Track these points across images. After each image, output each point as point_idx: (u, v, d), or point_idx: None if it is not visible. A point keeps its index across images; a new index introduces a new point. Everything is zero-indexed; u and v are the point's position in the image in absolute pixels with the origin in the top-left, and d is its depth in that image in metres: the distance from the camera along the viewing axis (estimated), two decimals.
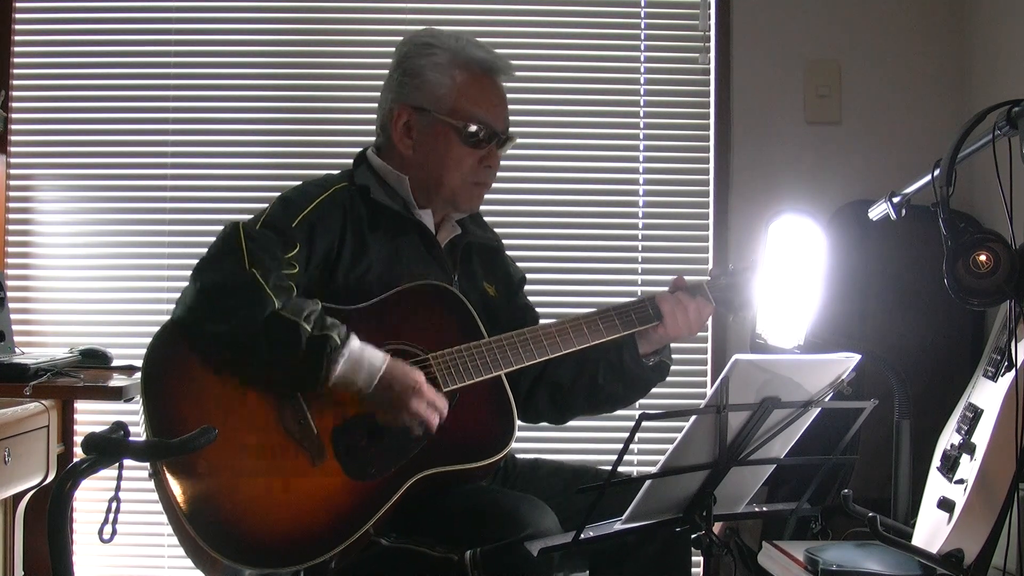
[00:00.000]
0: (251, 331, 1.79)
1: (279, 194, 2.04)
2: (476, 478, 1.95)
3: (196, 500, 1.76)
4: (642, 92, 3.13)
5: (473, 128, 2.03)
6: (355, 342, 1.83)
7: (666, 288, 2.12)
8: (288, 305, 1.81)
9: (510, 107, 2.11)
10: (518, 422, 1.97)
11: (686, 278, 2.13)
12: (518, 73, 2.67)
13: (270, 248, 1.88)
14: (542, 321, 2.16)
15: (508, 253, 2.29)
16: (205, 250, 1.90)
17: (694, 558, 2.00)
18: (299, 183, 2.08)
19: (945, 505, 1.79)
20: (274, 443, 1.83)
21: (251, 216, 1.96)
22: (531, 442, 2.96)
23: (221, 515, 1.77)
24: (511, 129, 2.11)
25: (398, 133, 2.06)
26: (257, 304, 1.79)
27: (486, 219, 2.27)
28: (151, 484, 1.81)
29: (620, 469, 1.60)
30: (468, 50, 2.05)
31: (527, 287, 2.31)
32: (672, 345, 2.17)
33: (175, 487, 1.76)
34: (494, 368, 1.96)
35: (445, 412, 1.88)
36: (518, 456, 2.19)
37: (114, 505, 1.66)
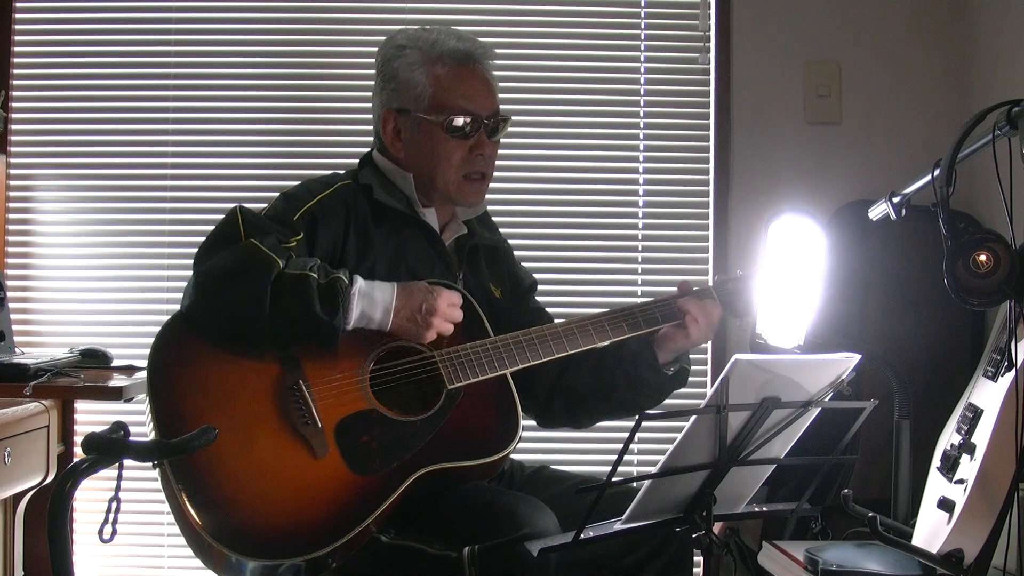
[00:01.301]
0: (262, 295, 1.80)
1: (281, 192, 2.05)
2: (479, 476, 1.96)
3: (199, 492, 1.77)
4: (642, 92, 3.13)
5: (456, 120, 2.03)
6: (360, 282, 1.87)
7: (665, 289, 2.12)
8: (291, 263, 1.84)
9: (510, 106, 2.11)
10: (523, 422, 1.98)
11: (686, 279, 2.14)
12: (517, 73, 2.67)
13: (266, 225, 1.90)
14: None
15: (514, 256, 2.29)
16: None
17: (694, 558, 2.00)
18: (303, 181, 2.09)
19: (945, 505, 1.79)
20: (278, 436, 1.83)
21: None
22: (533, 442, 2.96)
23: (224, 507, 1.77)
24: (504, 108, 2.10)
25: (388, 138, 2.07)
26: (262, 268, 1.81)
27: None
28: (151, 484, 1.82)
29: (620, 469, 1.59)
30: (440, 44, 2.05)
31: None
32: None
33: (178, 479, 1.76)
34: (499, 367, 1.96)
35: (460, 302, 1.94)
36: (525, 463, 2.19)
37: (114, 505, 1.67)
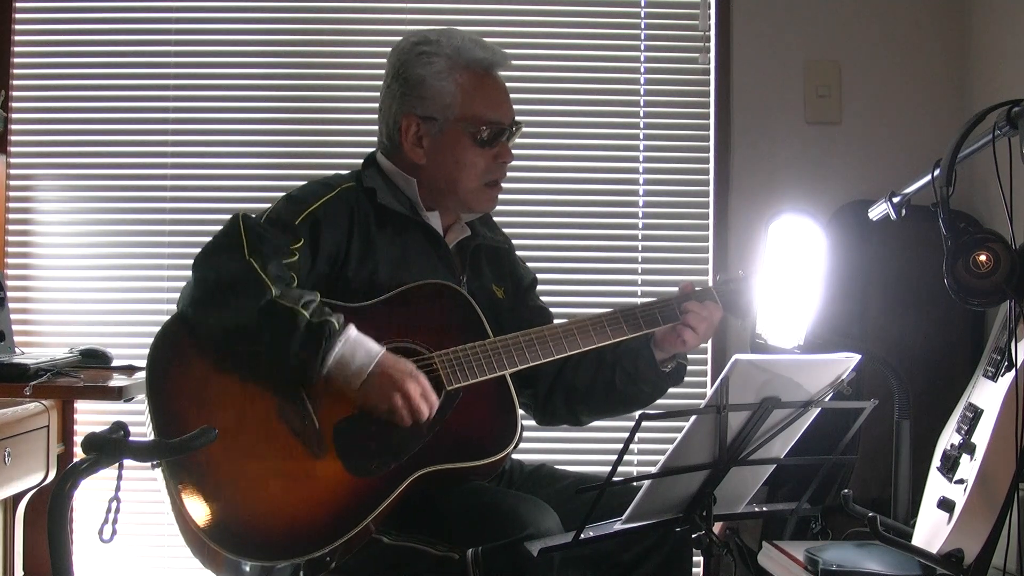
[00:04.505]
0: (249, 319, 1.79)
1: (284, 193, 2.04)
2: (478, 477, 1.96)
3: (197, 493, 1.77)
4: (642, 92, 3.13)
5: (484, 129, 2.03)
6: (352, 330, 1.84)
7: (665, 289, 2.12)
8: (286, 293, 1.82)
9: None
10: (522, 423, 1.97)
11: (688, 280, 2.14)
12: (518, 73, 2.66)
13: (270, 239, 1.89)
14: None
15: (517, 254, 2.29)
16: None
17: (694, 558, 2.00)
18: (305, 182, 2.09)
19: (945, 505, 1.79)
20: (276, 438, 1.83)
21: (255, 214, 1.97)
22: (534, 442, 2.96)
23: (222, 508, 1.77)
24: (519, 118, 2.11)
25: (409, 143, 2.06)
26: (255, 292, 1.80)
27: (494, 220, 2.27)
28: (151, 484, 1.82)
29: (620, 469, 1.59)
30: (465, 51, 2.04)
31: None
32: None
33: (176, 480, 1.77)
34: (498, 368, 1.96)
35: (435, 408, 1.87)
36: (524, 462, 2.20)
37: (114, 505, 1.67)
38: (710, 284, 2.16)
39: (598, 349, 2.06)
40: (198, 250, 1.91)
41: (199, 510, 1.76)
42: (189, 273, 1.90)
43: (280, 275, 1.85)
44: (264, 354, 1.83)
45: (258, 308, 1.79)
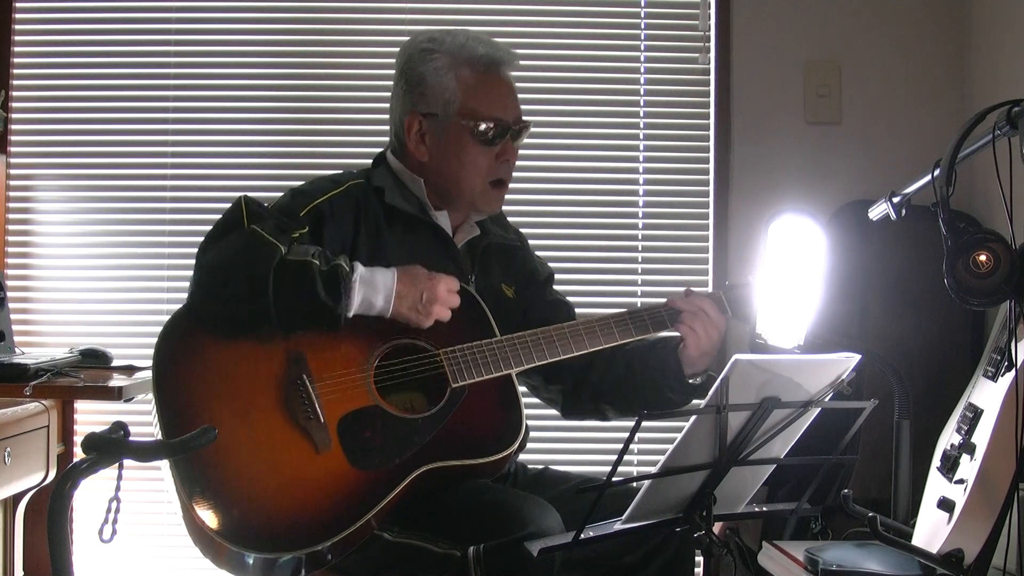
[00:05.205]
0: (265, 280, 1.80)
1: (290, 188, 2.05)
2: (481, 476, 1.96)
3: (201, 486, 1.78)
4: (642, 92, 3.13)
5: (485, 126, 2.03)
6: (360, 267, 1.87)
7: (665, 289, 2.12)
8: (292, 250, 1.84)
9: None
10: (527, 423, 1.98)
11: (695, 290, 2.13)
12: (517, 73, 2.66)
13: (270, 215, 1.91)
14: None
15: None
16: None
17: (695, 557, 2.00)
18: (313, 178, 2.09)
19: (945, 505, 1.79)
20: (281, 431, 1.84)
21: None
22: (534, 442, 2.94)
23: (225, 500, 1.78)
24: (525, 118, 2.11)
25: (413, 141, 2.06)
26: (264, 256, 1.81)
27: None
28: (151, 484, 1.82)
29: (620, 469, 1.59)
30: (467, 48, 2.05)
31: None
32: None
33: (180, 473, 1.78)
34: (504, 367, 1.96)
35: (457, 286, 1.94)
36: (527, 465, 2.20)
37: (114, 505, 1.67)
38: (710, 285, 2.16)
39: (625, 353, 2.07)
40: (198, 249, 1.92)
41: (203, 502, 1.77)
42: (189, 273, 1.90)
43: (281, 233, 1.87)
44: (287, 312, 1.83)
45: (271, 269, 1.80)
